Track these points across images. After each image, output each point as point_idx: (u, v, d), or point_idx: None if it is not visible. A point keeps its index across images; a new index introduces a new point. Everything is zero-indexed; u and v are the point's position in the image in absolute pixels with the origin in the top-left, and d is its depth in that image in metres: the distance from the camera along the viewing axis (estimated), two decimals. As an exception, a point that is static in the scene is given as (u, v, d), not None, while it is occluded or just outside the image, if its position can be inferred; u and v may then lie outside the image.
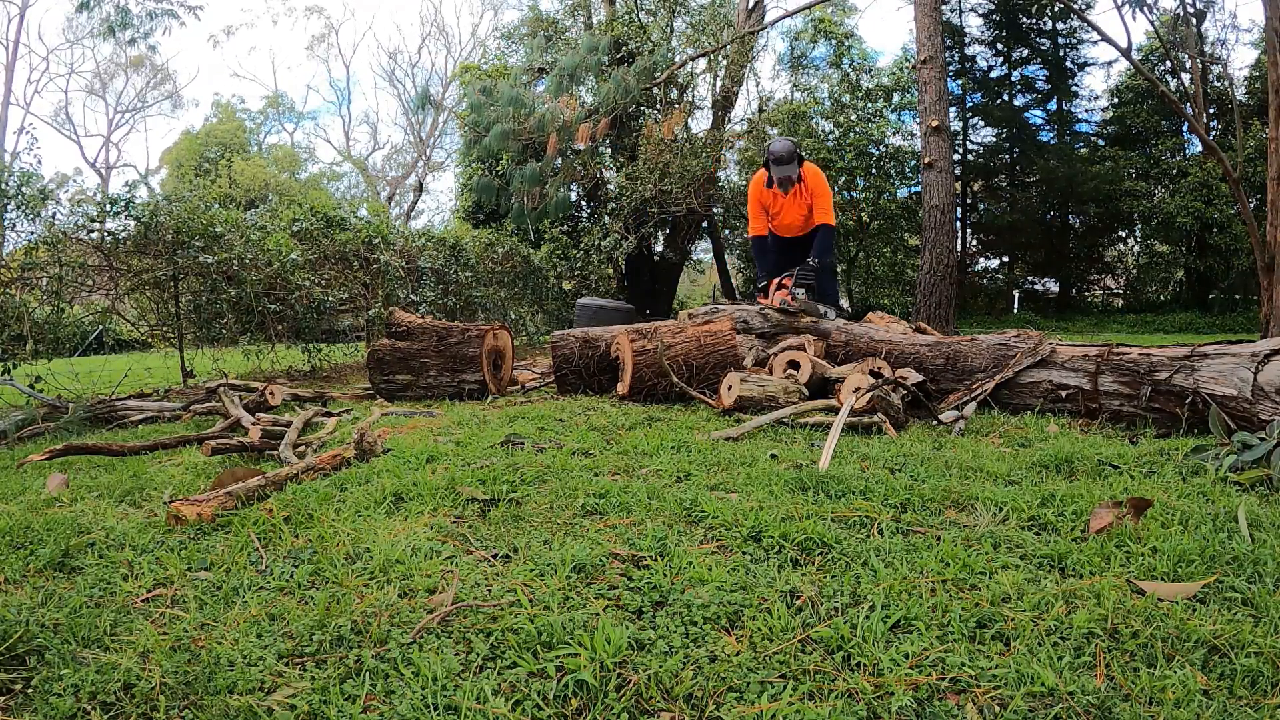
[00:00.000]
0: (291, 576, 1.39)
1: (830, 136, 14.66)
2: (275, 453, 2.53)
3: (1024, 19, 16.36)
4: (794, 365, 3.59)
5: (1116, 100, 16.54)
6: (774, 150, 4.89)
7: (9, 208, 4.92)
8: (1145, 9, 6.93)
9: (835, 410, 2.96)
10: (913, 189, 15.33)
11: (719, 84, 13.57)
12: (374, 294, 7.39)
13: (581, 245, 11.54)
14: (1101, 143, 16.56)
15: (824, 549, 1.46)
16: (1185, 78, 10.78)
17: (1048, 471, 2.10)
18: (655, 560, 1.41)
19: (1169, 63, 11.56)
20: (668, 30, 13.21)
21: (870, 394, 2.88)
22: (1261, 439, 2.03)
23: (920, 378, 3.28)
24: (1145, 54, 14.61)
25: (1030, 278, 17.54)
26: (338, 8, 56.48)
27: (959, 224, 15.58)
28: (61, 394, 4.50)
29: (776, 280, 5.03)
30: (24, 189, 4.93)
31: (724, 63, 13.08)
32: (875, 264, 16.59)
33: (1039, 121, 17.31)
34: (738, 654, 1.08)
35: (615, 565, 1.40)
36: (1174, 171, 14.98)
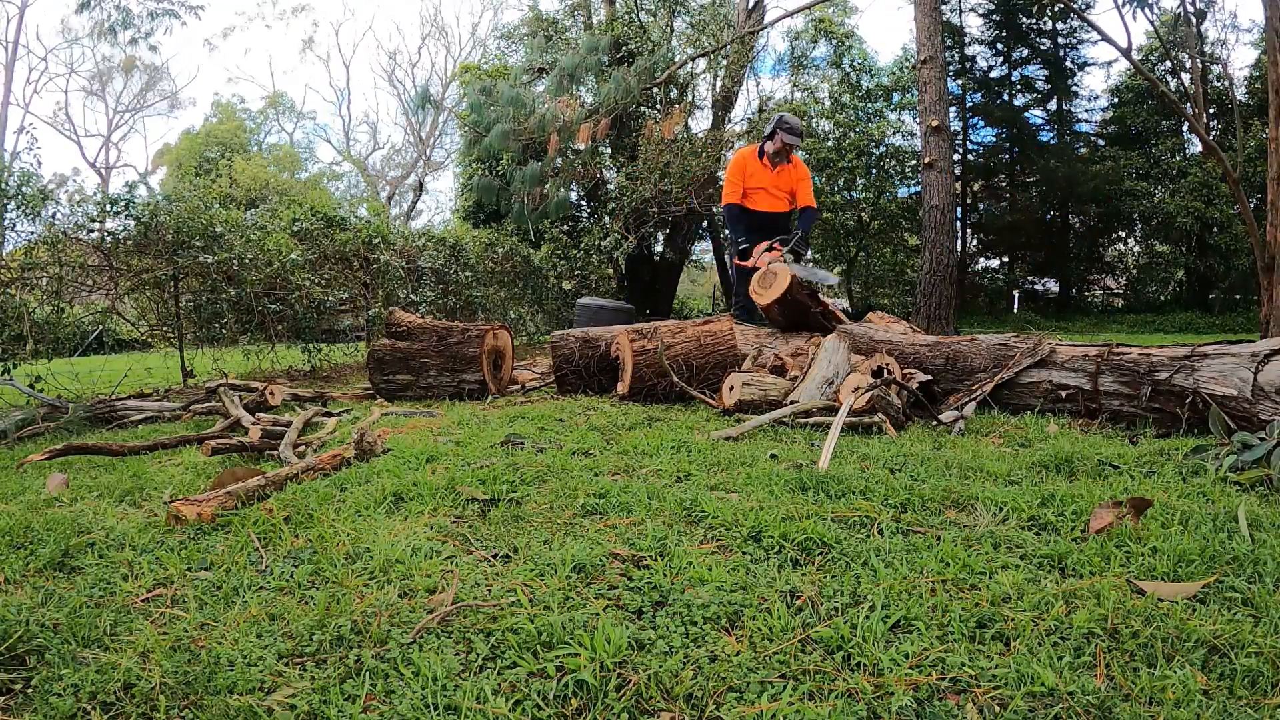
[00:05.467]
0: (291, 576, 1.39)
1: (830, 136, 14.66)
2: (275, 453, 2.52)
3: (1024, 19, 16.36)
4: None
5: (1116, 100, 16.54)
6: (791, 122, 5.36)
7: (9, 208, 4.91)
8: (1145, 9, 6.92)
9: (835, 410, 2.96)
10: (913, 189, 15.34)
11: (719, 84, 13.57)
12: (374, 294, 7.38)
13: (581, 245, 11.53)
14: (1101, 143, 16.56)
15: (824, 549, 1.46)
16: (1185, 78, 10.78)
17: (1048, 471, 2.10)
18: (655, 560, 1.41)
19: (1169, 63, 11.56)
20: (668, 30, 13.21)
21: (870, 394, 2.88)
22: (1261, 439, 2.03)
23: (927, 377, 3.27)
24: (1145, 54, 14.60)
25: (1030, 278, 17.54)
26: (337, 7, 56.56)
27: (959, 224, 15.58)
28: (61, 394, 4.50)
29: (765, 244, 5.11)
30: (24, 189, 4.93)
31: (724, 63, 13.07)
32: (875, 264, 16.59)
33: (1039, 121, 17.33)
34: (738, 654, 1.08)
35: (615, 565, 1.40)
36: (1174, 171, 14.98)
